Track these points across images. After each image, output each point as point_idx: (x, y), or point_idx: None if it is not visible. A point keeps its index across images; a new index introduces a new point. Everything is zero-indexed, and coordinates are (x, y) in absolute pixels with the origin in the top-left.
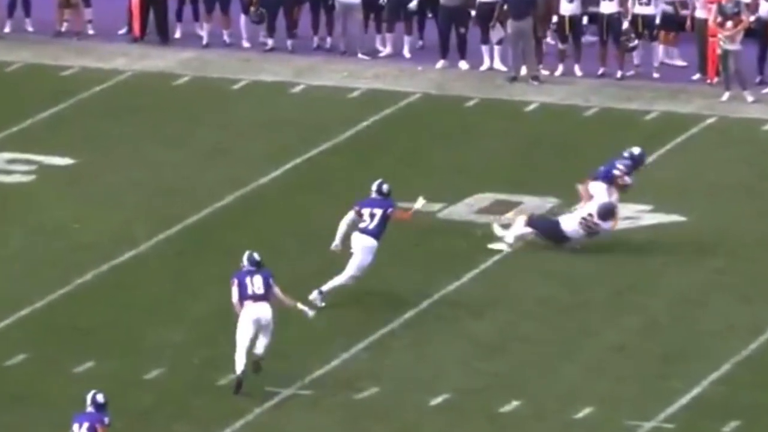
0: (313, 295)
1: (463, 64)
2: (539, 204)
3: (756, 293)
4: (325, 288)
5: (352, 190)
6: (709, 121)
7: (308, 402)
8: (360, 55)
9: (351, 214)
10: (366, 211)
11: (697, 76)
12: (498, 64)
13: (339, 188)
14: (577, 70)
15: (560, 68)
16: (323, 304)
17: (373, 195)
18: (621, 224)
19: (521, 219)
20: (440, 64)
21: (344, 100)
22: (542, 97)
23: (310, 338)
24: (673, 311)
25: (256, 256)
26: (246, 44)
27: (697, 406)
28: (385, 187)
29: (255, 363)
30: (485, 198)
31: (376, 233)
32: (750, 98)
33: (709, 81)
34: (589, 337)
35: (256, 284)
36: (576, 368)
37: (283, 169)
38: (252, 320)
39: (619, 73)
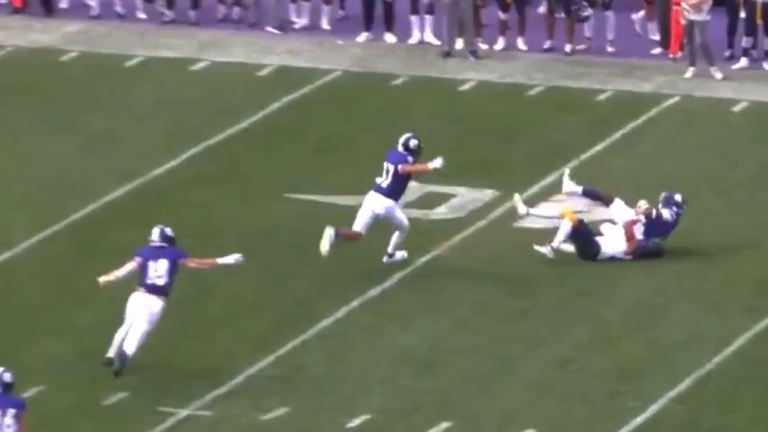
0: (386, 259)
1: (390, 37)
2: (477, 197)
3: (725, 299)
4: (390, 249)
5: (261, 181)
6: (671, 101)
7: (208, 424)
8: (270, 29)
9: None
10: (385, 165)
11: (657, 51)
12: (430, 37)
13: (246, 180)
14: (521, 44)
15: (501, 41)
16: (403, 254)
17: (399, 148)
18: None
19: (569, 223)
20: (363, 37)
21: (253, 79)
22: (480, 74)
23: (210, 350)
24: (628, 320)
25: (168, 231)
26: (141, 15)
27: (653, 427)
28: (412, 142)
29: (122, 355)
30: (414, 189)
31: (387, 191)
32: (718, 75)
33: (671, 56)
34: (532, 349)
35: (159, 271)
36: (517, 385)
37: (182, 158)
38: (135, 311)
39: (568, 47)
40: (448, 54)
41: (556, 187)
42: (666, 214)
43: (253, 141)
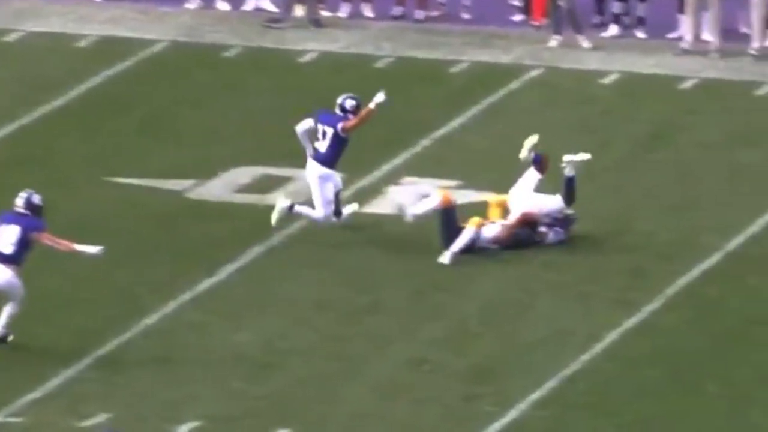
0: (281, 202)
1: (222, 4)
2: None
3: (593, 292)
4: (298, 208)
5: (78, 164)
6: (534, 73)
7: (19, 431)
8: None
9: (309, 121)
10: (320, 128)
11: (519, 17)
12: (267, 4)
13: (62, 162)
14: (368, 11)
15: (346, 8)
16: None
17: (336, 111)
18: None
19: (472, 228)
20: (193, 3)
21: (71, 50)
22: (323, 44)
23: (23, 350)
24: (487, 316)
25: (36, 198)
26: None
27: None
28: (349, 102)
29: None
30: (248, 172)
31: (325, 158)
32: (586, 44)
33: (534, 23)
34: (379, 349)
35: (8, 238)
36: (363, 388)
37: None
38: None
39: (420, 14)
40: (276, 21)
41: (405, 168)
42: (552, 235)
43: (71, 119)
